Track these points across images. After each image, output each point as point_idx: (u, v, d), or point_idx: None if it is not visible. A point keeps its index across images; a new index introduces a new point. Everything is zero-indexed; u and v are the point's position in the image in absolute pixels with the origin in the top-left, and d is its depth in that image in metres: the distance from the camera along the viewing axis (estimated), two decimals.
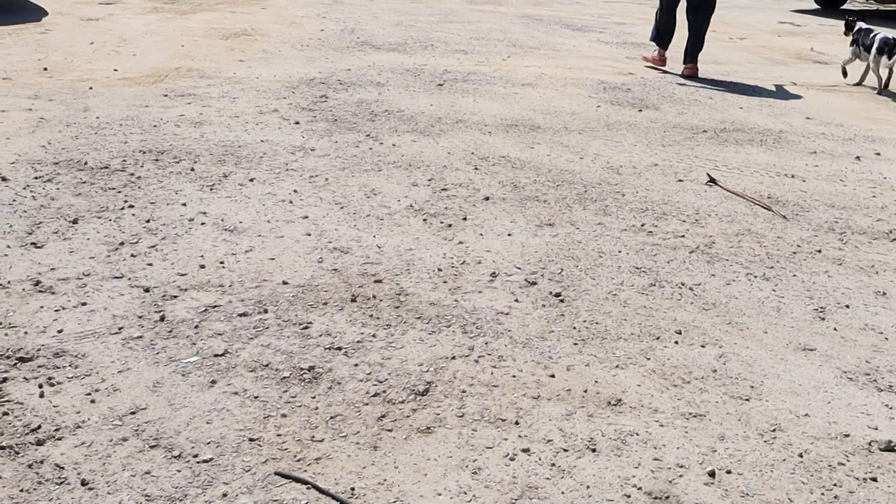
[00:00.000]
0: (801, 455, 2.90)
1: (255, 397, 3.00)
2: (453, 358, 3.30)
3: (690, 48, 8.87)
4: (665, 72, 9.04)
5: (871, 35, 8.69)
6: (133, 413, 2.87)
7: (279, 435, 2.81)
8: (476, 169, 5.43)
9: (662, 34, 9.03)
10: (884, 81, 8.67)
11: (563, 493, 2.63)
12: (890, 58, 8.45)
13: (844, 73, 9.18)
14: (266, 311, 3.56)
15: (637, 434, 2.93)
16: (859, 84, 8.98)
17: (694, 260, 4.32)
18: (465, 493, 2.60)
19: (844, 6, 16.22)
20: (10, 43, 8.25)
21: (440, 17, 11.60)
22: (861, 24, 9.01)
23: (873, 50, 8.55)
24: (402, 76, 7.84)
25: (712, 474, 2.75)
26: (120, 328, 3.37)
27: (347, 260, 4.06)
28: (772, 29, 13.22)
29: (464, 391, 3.10)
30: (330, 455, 2.74)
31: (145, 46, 8.42)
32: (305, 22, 10.47)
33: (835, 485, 2.77)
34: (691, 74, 8.82)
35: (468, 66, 8.54)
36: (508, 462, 2.75)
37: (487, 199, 4.92)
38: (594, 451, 2.83)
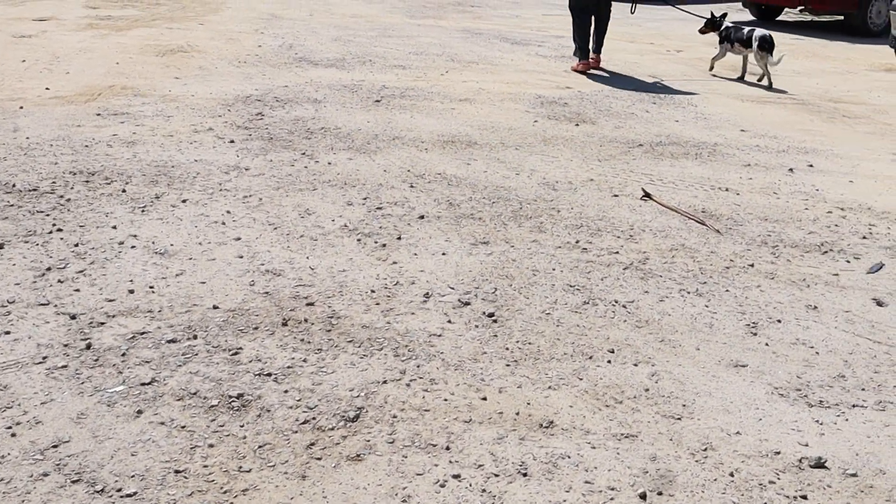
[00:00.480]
0: (732, 474, 2.90)
1: (182, 427, 2.94)
2: (385, 382, 3.27)
3: (596, 44, 9.93)
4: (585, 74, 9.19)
5: (745, 31, 9.73)
6: (55, 446, 2.81)
7: (206, 466, 2.76)
8: (412, 187, 5.41)
9: (581, 46, 9.88)
10: (768, 77, 9.65)
11: None
12: (773, 55, 9.41)
13: (712, 68, 10.34)
14: (195, 337, 3.50)
15: (569, 457, 2.92)
16: (741, 79, 9.97)
17: (628, 276, 4.33)
18: None
19: (779, 17, 16.41)
20: None
21: (379, 32, 11.57)
22: (728, 23, 10.10)
23: (755, 46, 9.49)
24: (339, 92, 7.80)
25: (643, 496, 2.75)
26: (44, 357, 3.29)
27: (279, 283, 4.01)
28: (709, 41, 13.34)
29: (395, 416, 3.07)
30: (257, 486, 2.69)
31: (79, 64, 8.30)
32: (243, 38, 10.39)
33: (765, 503, 2.78)
34: (597, 65, 9.90)
35: (406, 81, 8.52)
36: (439, 489, 2.72)
37: (422, 217, 4.90)
38: (525, 475, 2.81)
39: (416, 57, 9.91)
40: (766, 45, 9.44)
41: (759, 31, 9.57)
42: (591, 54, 9.89)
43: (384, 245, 4.49)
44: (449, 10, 14.68)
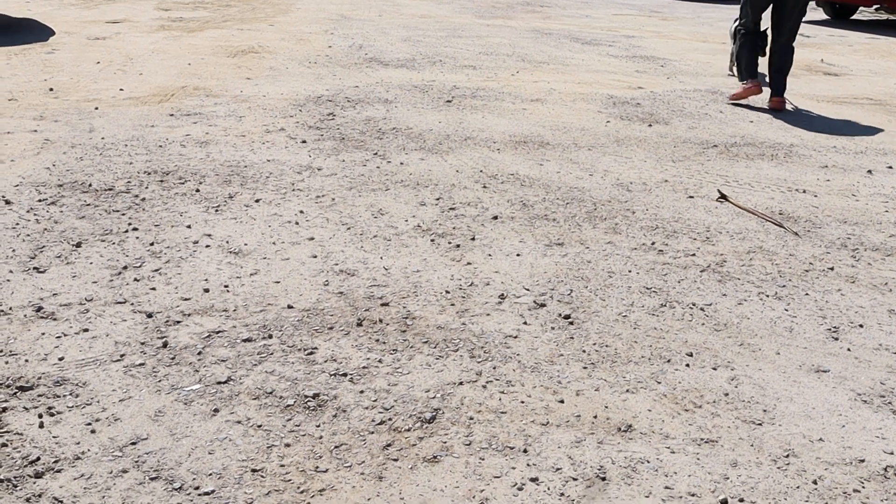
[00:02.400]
0: (815, 482, 2.83)
1: (259, 426, 2.95)
2: (461, 383, 3.25)
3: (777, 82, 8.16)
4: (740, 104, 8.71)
5: None
6: (134, 443, 2.83)
7: (282, 465, 2.76)
8: (485, 187, 5.39)
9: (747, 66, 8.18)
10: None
11: None
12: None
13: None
14: (270, 337, 3.51)
15: (648, 461, 2.87)
16: None
17: (705, 279, 4.26)
18: None
19: (853, 17, 16.13)
20: (17, 63, 8.25)
21: (449, 33, 11.57)
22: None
23: None
24: (410, 93, 7.81)
25: (725, 503, 2.69)
26: (122, 355, 3.32)
27: (353, 282, 4.01)
28: None
29: (471, 418, 3.05)
30: (334, 486, 2.68)
31: (152, 65, 8.41)
32: (313, 38, 10.45)
33: None
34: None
35: (477, 81, 8.50)
36: (517, 492, 2.69)
37: (496, 218, 4.87)
38: (604, 479, 2.77)
39: (486, 57, 9.88)
40: None
41: None
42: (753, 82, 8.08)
43: (458, 245, 4.47)
44: (518, 10, 14.65)
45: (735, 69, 8.67)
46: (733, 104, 8.20)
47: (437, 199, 5.11)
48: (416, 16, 13.12)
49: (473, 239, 4.56)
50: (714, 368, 3.47)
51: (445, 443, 2.91)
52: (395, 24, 12.17)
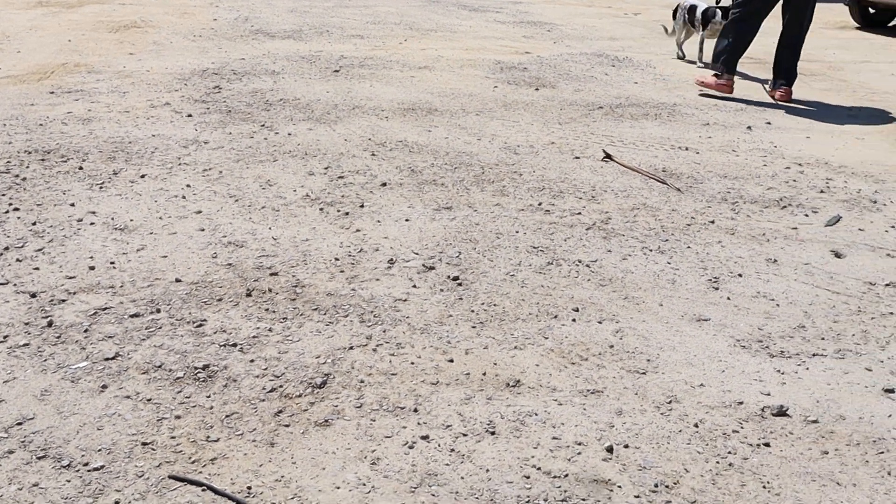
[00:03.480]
0: (696, 425, 2.94)
1: (148, 400, 2.93)
2: (351, 348, 3.28)
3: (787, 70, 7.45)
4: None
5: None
6: (20, 424, 2.79)
7: (173, 437, 2.76)
8: (373, 155, 5.40)
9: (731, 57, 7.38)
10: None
11: (462, 478, 2.62)
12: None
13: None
14: (159, 311, 3.48)
15: (536, 414, 2.94)
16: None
17: (590, 237, 4.35)
18: (364, 484, 2.59)
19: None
20: None
21: (336, 2, 11.50)
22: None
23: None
24: (297, 64, 7.76)
25: (610, 450, 2.77)
26: (5, 336, 3.27)
27: (242, 254, 3.99)
28: (665, 3, 13.36)
29: (362, 381, 3.08)
30: (226, 454, 2.69)
31: (30, 43, 8.20)
32: (197, 12, 10.29)
33: (729, 452, 2.81)
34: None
35: (365, 50, 8.48)
36: (408, 450, 2.74)
37: (385, 184, 4.89)
38: (493, 433, 2.83)
39: (374, 26, 9.86)
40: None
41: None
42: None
43: (347, 213, 4.49)
44: None
45: (713, 59, 7.47)
46: (702, 95, 7.52)
47: (326, 169, 5.11)
48: None
49: (362, 206, 4.58)
50: (599, 322, 3.56)
51: (337, 406, 2.94)
52: None
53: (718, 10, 8.36)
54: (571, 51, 9.00)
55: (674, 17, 9.08)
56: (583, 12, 11.82)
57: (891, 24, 12.32)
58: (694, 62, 8.75)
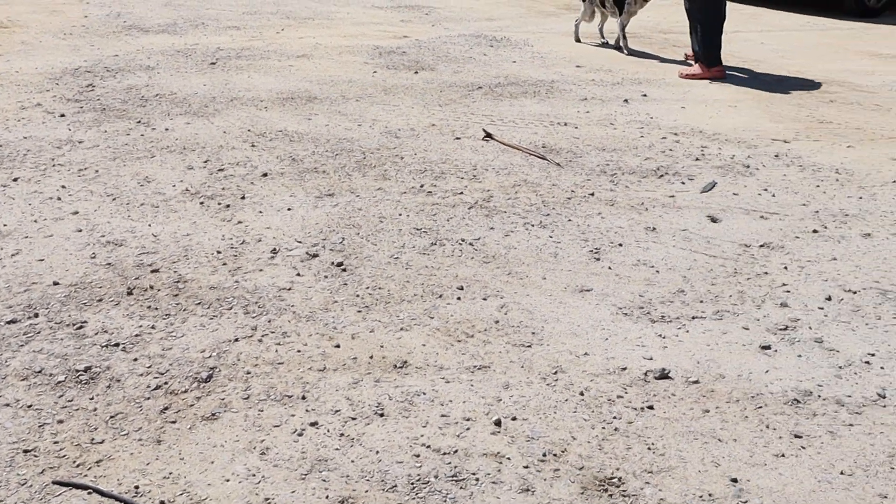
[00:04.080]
0: (582, 393, 2.99)
1: (29, 406, 2.87)
2: (236, 340, 3.25)
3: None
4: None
5: None
6: None
7: (56, 442, 2.71)
8: (253, 146, 5.35)
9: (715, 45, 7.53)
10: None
11: (352, 461, 2.63)
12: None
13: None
14: (37, 315, 3.40)
15: (424, 393, 2.96)
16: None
17: (473, 215, 4.38)
18: (254, 475, 2.57)
19: None
20: None
21: None
22: None
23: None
24: (172, 58, 7.62)
25: (498, 423, 2.81)
26: None
27: (122, 252, 3.92)
28: None
29: (248, 372, 3.06)
30: (111, 456, 2.65)
31: None
32: (67, 9, 10.02)
33: (615, 417, 2.88)
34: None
35: (241, 41, 8.38)
36: (297, 438, 2.73)
37: (266, 175, 4.85)
38: (382, 415, 2.84)
39: (251, 17, 9.74)
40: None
41: None
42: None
43: (228, 206, 4.44)
44: None
45: (703, 60, 7.51)
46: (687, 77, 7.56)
47: (205, 162, 5.04)
48: None
49: (243, 198, 4.54)
50: (484, 299, 3.59)
51: (223, 399, 2.91)
52: None
53: None
54: (450, 33, 9.02)
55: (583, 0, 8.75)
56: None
57: None
58: (590, 41, 8.65)
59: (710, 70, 7.47)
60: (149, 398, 2.91)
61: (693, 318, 3.51)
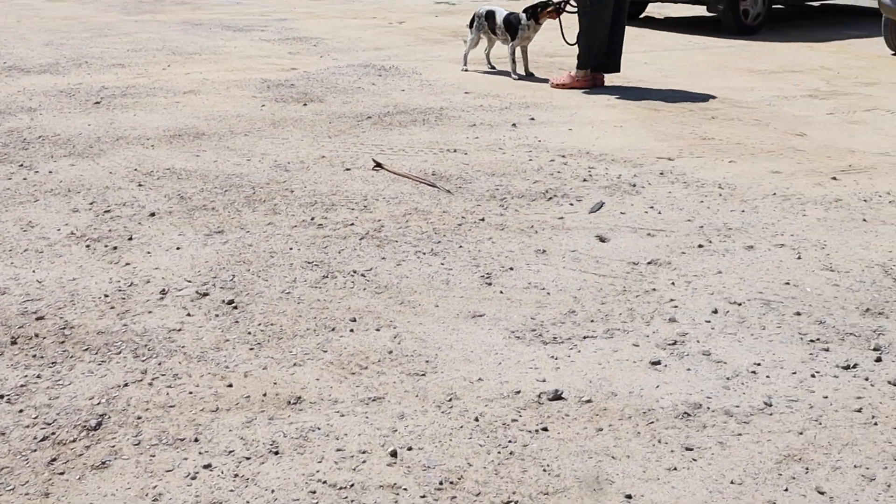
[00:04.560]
0: (476, 419, 3.01)
1: None
2: (126, 385, 3.19)
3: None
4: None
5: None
6: None
7: None
8: (140, 185, 5.27)
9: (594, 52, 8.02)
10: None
11: (248, 502, 2.60)
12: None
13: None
14: None
15: (319, 428, 2.94)
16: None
17: (364, 246, 4.39)
18: None
19: None
20: None
21: (94, 33, 11.15)
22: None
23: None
24: (55, 98, 7.49)
25: (394, 454, 2.81)
26: None
27: (5, 301, 3.83)
28: (429, 10, 13.65)
29: (139, 417, 3.01)
30: None
31: None
32: None
33: (510, 441, 2.90)
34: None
35: (127, 79, 8.27)
36: (190, 482, 2.69)
37: (153, 214, 4.79)
38: (277, 453, 2.82)
39: (136, 54, 9.62)
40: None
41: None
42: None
43: (115, 248, 4.37)
44: (167, 3, 14.33)
45: (582, 53, 7.98)
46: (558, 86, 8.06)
47: (91, 204, 4.95)
48: (58, 18, 12.53)
49: (131, 239, 4.47)
50: (377, 329, 3.59)
51: (114, 446, 2.86)
52: (36, 28, 11.58)
53: (523, 15, 8.21)
54: (338, 64, 9.04)
55: (470, 26, 8.75)
56: (348, 24, 11.89)
57: (641, 16, 12.94)
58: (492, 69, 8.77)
59: (577, 79, 7.87)
60: (35, 450, 2.84)
61: (584, 337, 3.56)
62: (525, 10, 8.28)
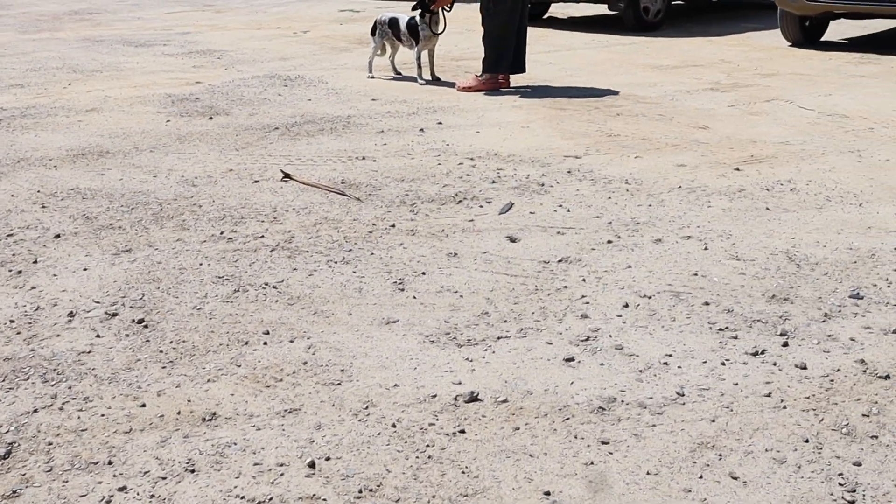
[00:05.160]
0: (394, 425, 3.01)
1: None
2: (35, 411, 3.13)
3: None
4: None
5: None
6: None
7: None
8: (44, 207, 5.17)
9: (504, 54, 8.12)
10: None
11: None
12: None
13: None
14: None
15: (235, 444, 2.92)
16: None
17: (275, 258, 4.36)
18: None
19: None
20: None
21: None
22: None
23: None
24: None
25: (312, 465, 2.80)
26: None
27: None
28: (333, 18, 13.61)
29: (50, 443, 2.95)
30: None
31: None
32: None
33: (428, 446, 2.90)
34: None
35: (26, 100, 8.10)
36: None
37: (59, 236, 4.70)
38: (193, 471, 2.79)
39: (35, 73, 9.44)
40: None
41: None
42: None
43: (20, 272, 4.27)
44: (65, 20, 14.08)
45: (487, 57, 8.06)
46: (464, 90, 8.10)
47: None
48: None
49: (36, 262, 4.38)
50: (291, 341, 3.58)
51: (25, 475, 2.80)
52: None
53: (420, 19, 8.24)
54: (243, 76, 8.97)
55: (372, 34, 8.76)
56: (252, 35, 11.81)
57: (545, 17, 13.07)
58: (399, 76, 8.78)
59: (483, 82, 7.96)
60: None
61: (498, 338, 3.59)
62: (414, 8, 8.35)
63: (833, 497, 2.65)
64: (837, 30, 10.79)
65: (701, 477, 2.74)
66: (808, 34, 10.53)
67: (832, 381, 3.27)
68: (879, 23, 10.93)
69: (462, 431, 2.98)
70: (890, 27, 11.12)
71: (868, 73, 8.86)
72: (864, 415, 3.06)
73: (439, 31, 8.35)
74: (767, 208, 4.98)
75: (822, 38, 10.67)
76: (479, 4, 8.08)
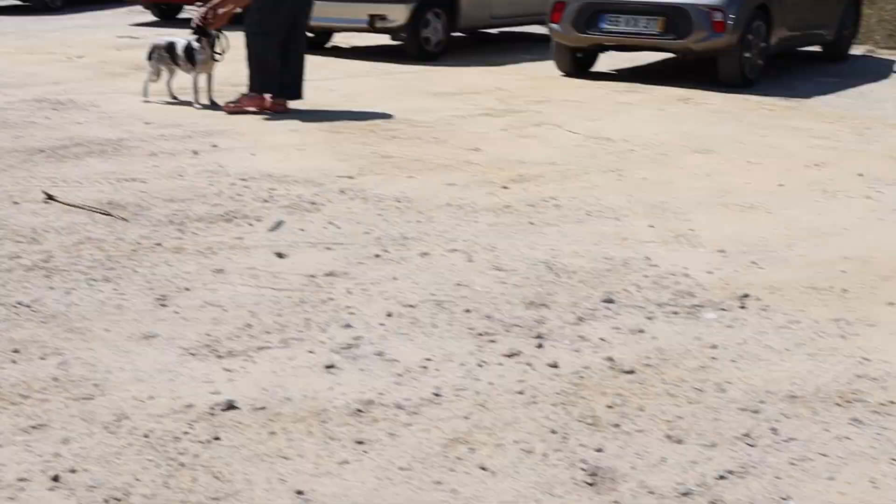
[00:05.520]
0: (146, 435, 2.96)
1: None
2: None
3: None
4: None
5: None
6: None
7: None
8: None
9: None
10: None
11: None
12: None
13: None
14: None
15: None
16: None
17: (31, 277, 4.21)
18: None
19: (180, 15, 16.62)
20: None
21: None
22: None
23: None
24: None
25: (56, 478, 2.72)
26: None
27: None
28: (111, 44, 13.22)
29: None
30: None
31: None
32: None
33: (180, 453, 2.87)
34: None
35: None
36: None
37: None
38: None
39: None
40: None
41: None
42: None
43: None
44: None
45: (251, 76, 8.06)
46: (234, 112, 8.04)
47: None
48: None
49: None
50: (42, 358, 3.46)
51: None
52: None
53: (198, 43, 8.12)
54: (10, 99, 8.60)
55: (149, 58, 8.51)
56: (23, 60, 11.35)
57: (328, 46, 13.13)
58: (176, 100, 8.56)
59: (248, 102, 8.01)
60: None
61: (260, 348, 3.58)
62: (193, 32, 8.25)
63: (575, 480, 2.78)
64: (608, 62, 11.28)
65: (452, 470, 2.82)
66: (579, 65, 10.97)
67: (581, 377, 3.43)
68: (646, 56, 11.48)
69: (217, 438, 2.96)
70: (654, 60, 11.71)
71: (633, 101, 9.31)
72: (608, 406, 3.21)
73: (217, 55, 8.25)
74: (531, 223, 5.17)
75: (593, 69, 11.15)
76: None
